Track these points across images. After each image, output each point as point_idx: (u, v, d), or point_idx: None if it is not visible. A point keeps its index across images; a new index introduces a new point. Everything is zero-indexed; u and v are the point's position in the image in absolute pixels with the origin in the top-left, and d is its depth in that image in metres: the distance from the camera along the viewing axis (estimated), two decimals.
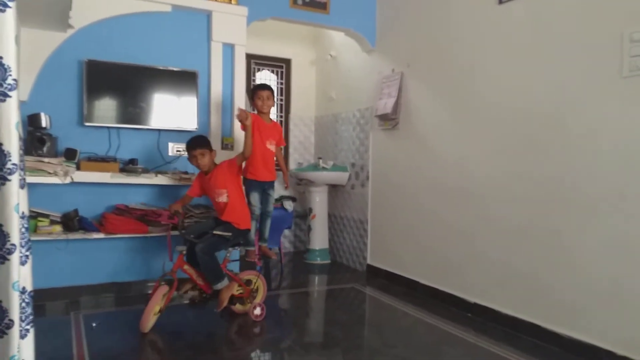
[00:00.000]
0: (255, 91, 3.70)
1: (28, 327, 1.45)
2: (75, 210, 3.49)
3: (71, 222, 3.41)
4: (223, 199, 3.29)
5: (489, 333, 3.11)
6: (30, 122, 3.28)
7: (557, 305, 2.87)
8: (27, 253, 1.46)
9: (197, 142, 3.30)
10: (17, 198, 1.36)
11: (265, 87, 3.73)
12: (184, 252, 3.13)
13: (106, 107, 3.67)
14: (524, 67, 3.11)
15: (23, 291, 1.43)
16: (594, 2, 2.71)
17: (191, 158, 3.31)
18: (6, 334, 1.35)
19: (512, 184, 3.18)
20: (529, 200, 3.06)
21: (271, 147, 3.69)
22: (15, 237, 1.35)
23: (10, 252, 1.34)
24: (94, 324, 3.05)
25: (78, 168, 3.41)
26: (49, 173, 3.09)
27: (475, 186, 3.47)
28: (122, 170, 3.54)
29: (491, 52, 3.36)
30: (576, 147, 2.78)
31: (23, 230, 1.41)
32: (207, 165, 3.31)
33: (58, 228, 3.39)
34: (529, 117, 3.07)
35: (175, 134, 3.90)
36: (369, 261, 4.70)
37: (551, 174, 2.92)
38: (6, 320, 1.34)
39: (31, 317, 1.47)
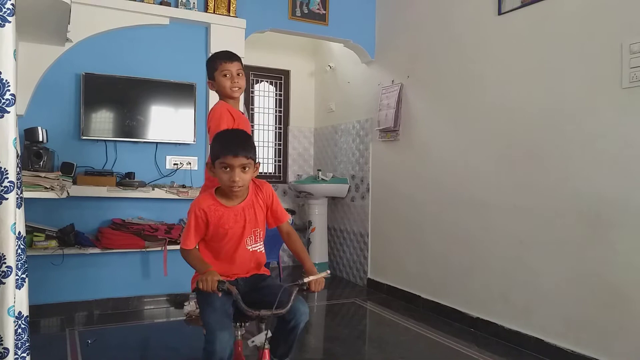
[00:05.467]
0: (216, 62, 2.37)
1: (24, 355, 1.38)
2: (72, 225, 3.44)
3: (67, 237, 3.36)
4: (259, 246, 1.96)
5: (492, 348, 3.06)
6: (27, 136, 3.24)
7: (561, 319, 2.83)
8: (24, 276, 1.40)
9: (242, 144, 1.81)
10: (14, 217, 1.32)
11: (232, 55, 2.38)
12: (267, 344, 1.80)
13: (103, 121, 3.64)
14: (524, 78, 3.10)
15: (19, 316, 1.37)
16: (594, 13, 2.71)
17: (221, 167, 1.79)
18: None
19: (513, 195, 3.15)
20: (530, 211, 3.03)
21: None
22: (11, 259, 1.30)
23: (6, 275, 1.29)
24: (89, 341, 2.99)
25: (74, 182, 3.37)
26: (46, 188, 3.04)
27: (476, 198, 3.44)
28: (119, 184, 3.50)
29: (491, 62, 3.35)
30: (576, 158, 2.76)
31: (19, 251, 1.36)
32: (243, 187, 1.84)
33: (54, 243, 3.34)
34: (529, 128, 3.06)
35: (173, 147, 3.87)
36: (369, 275, 4.65)
37: (552, 184, 2.89)
38: (0, 349, 1.28)
39: (27, 344, 1.40)
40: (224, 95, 2.38)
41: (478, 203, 3.42)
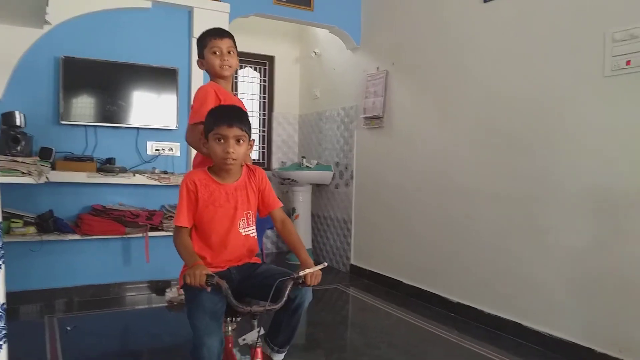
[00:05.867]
0: (205, 39, 2.24)
1: (1, 342, 1.34)
2: (50, 211, 3.40)
3: (46, 223, 3.32)
4: (251, 230, 1.86)
5: (472, 332, 3.10)
6: (4, 121, 3.18)
7: (539, 303, 2.88)
8: (0, 262, 1.36)
9: (237, 116, 1.77)
10: None
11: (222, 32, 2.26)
12: (260, 341, 1.68)
13: (83, 105, 3.58)
14: (509, 66, 3.11)
15: None
16: (578, 2, 2.71)
17: (215, 139, 1.73)
18: None
19: (496, 182, 3.17)
20: (513, 199, 3.05)
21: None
22: None
23: None
24: (68, 328, 2.97)
25: (53, 168, 3.31)
26: (23, 173, 2.98)
27: (460, 186, 3.45)
28: (99, 169, 3.46)
29: (476, 50, 3.35)
30: (559, 146, 2.78)
31: None
32: (236, 162, 1.77)
33: (32, 229, 3.30)
34: (514, 116, 3.07)
35: (154, 133, 3.83)
36: (352, 261, 4.67)
37: (535, 172, 2.92)
38: None
39: (4, 332, 1.36)
40: (213, 75, 2.25)
41: (461, 190, 3.44)
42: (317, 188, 5.21)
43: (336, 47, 4.90)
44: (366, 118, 4.40)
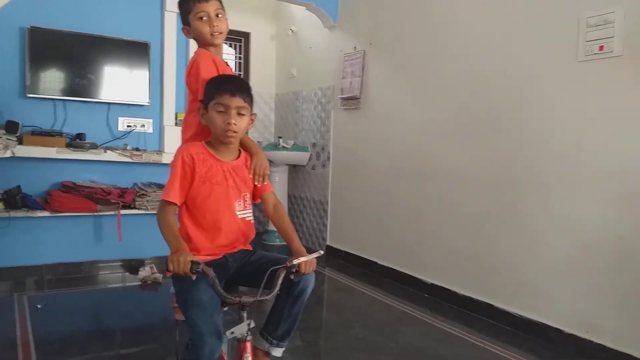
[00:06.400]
0: (188, 2, 1.91)
1: None
2: (18, 187, 3.29)
3: (13, 199, 3.22)
4: (248, 214, 1.74)
5: (445, 313, 3.15)
6: None
7: (510, 285, 2.93)
8: None
9: (240, 85, 1.66)
10: None
11: None
12: (249, 335, 1.53)
13: (51, 78, 3.45)
14: (486, 48, 3.10)
15: None
16: None
17: (216, 109, 1.61)
18: None
19: (470, 165, 3.20)
20: (486, 182, 3.08)
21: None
22: None
23: None
24: (39, 306, 2.90)
25: (20, 142, 3.20)
26: None
27: (434, 168, 3.47)
28: (69, 145, 3.36)
29: (454, 32, 3.34)
30: (533, 129, 2.81)
31: None
32: (237, 135, 1.65)
33: None
34: (489, 98, 3.08)
35: (126, 108, 3.72)
36: (328, 242, 4.68)
37: (508, 156, 2.95)
38: None
39: None
40: (204, 43, 1.93)
41: (437, 172, 3.45)
42: (294, 169, 5.18)
43: (313, 25, 4.82)
44: (343, 99, 4.37)
